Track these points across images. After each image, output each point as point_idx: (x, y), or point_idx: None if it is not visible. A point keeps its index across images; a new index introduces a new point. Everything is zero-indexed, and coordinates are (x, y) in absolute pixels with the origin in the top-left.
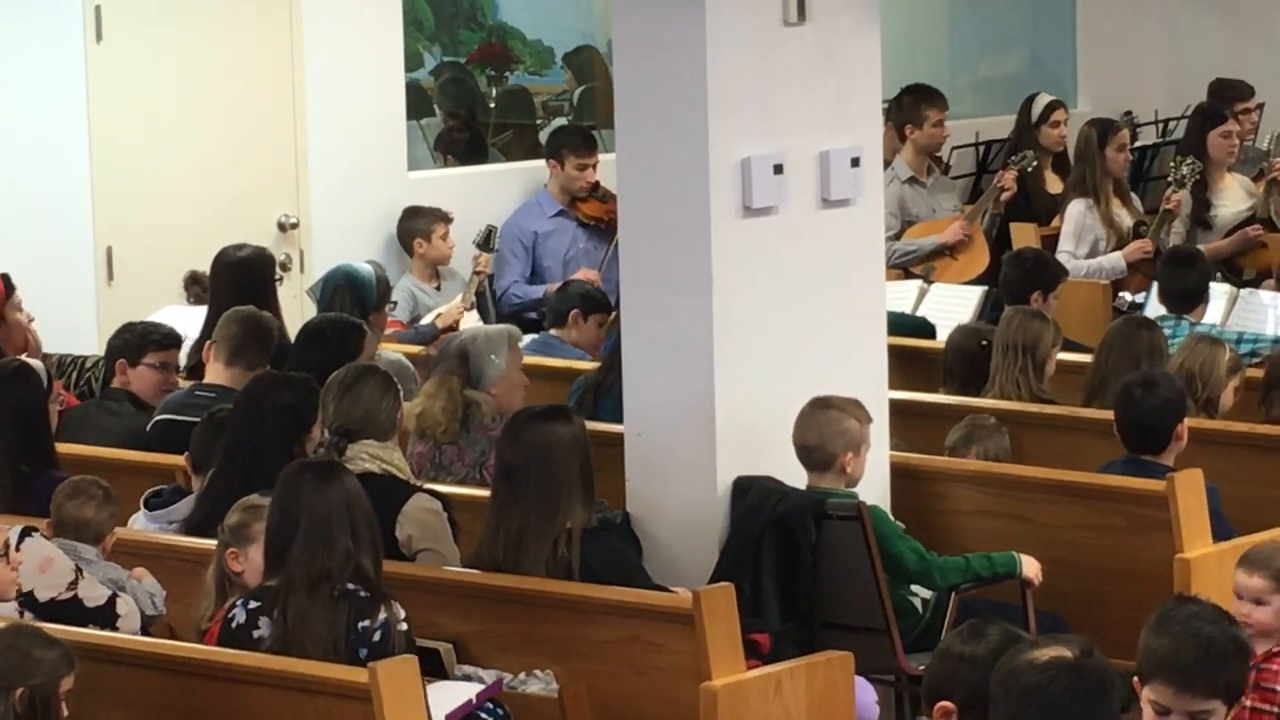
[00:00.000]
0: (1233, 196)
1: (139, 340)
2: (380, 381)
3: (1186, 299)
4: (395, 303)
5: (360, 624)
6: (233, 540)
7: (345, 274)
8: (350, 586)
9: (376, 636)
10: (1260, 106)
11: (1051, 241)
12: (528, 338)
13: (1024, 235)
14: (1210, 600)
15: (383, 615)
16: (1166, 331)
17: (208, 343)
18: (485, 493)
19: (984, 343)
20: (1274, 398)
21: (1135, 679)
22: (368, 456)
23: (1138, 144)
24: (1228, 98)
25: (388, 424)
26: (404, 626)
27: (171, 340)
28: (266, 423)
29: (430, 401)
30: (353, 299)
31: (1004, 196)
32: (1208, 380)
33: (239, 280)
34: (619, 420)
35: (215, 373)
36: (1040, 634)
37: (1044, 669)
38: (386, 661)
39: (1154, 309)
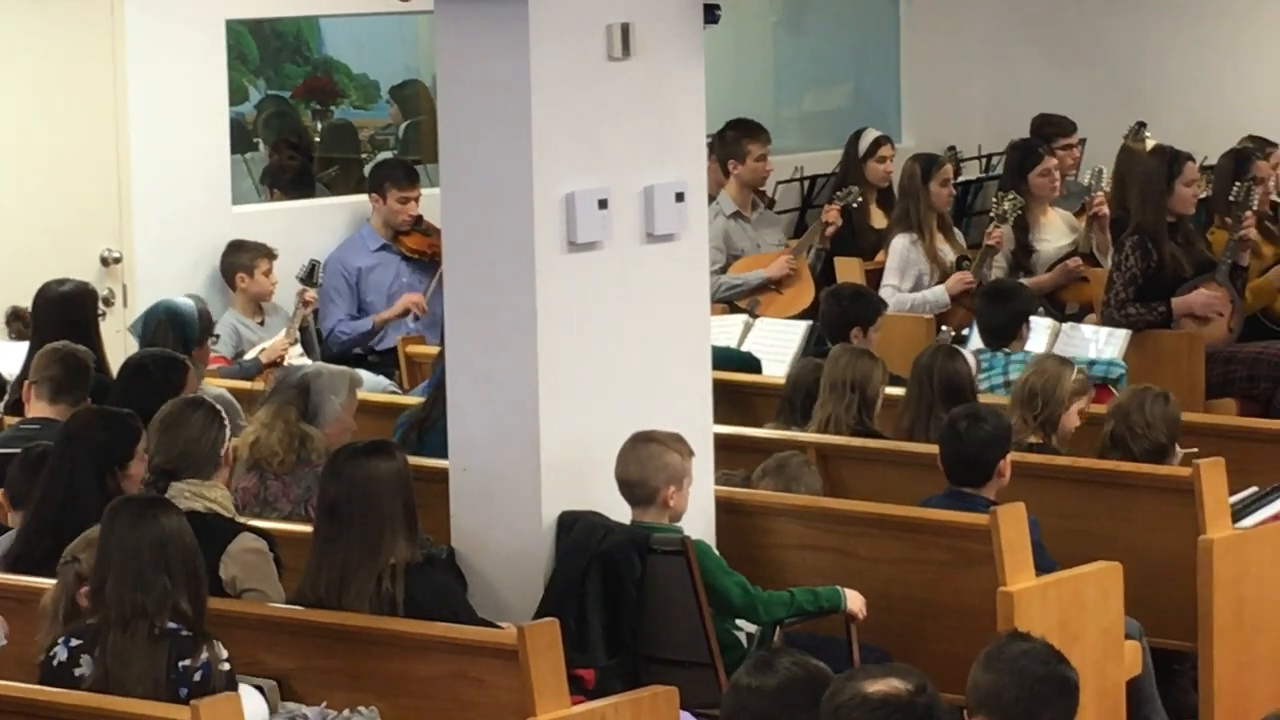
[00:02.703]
0: (1055, 231)
1: None
2: (203, 416)
3: (1003, 333)
4: (218, 336)
5: (181, 663)
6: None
7: (166, 309)
8: (171, 625)
9: (198, 676)
10: (1082, 142)
11: (876, 276)
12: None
13: (849, 270)
14: (1043, 638)
15: (204, 655)
16: (984, 364)
17: (27, 383)
18: (310, 529)
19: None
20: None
21: (965, 712)
22: (190, 494)
23: (961, 179)
24: (1050, 134)
25: (209, 460)
26: (226, 666)
27: (2, 387)
28: (79, 459)
29: (266, 431)
30: (175, 334)
31: (829, 231)
32: (1049, 398)
33: (61, 316)
34: (445, 455)
35: (39, 409)
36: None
37: (877, 707)
38: (209, 699)
39: (977, 343)
